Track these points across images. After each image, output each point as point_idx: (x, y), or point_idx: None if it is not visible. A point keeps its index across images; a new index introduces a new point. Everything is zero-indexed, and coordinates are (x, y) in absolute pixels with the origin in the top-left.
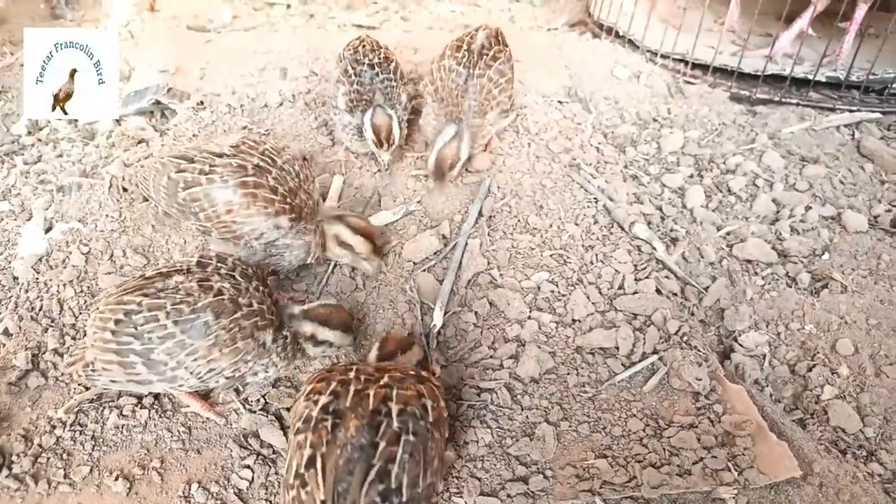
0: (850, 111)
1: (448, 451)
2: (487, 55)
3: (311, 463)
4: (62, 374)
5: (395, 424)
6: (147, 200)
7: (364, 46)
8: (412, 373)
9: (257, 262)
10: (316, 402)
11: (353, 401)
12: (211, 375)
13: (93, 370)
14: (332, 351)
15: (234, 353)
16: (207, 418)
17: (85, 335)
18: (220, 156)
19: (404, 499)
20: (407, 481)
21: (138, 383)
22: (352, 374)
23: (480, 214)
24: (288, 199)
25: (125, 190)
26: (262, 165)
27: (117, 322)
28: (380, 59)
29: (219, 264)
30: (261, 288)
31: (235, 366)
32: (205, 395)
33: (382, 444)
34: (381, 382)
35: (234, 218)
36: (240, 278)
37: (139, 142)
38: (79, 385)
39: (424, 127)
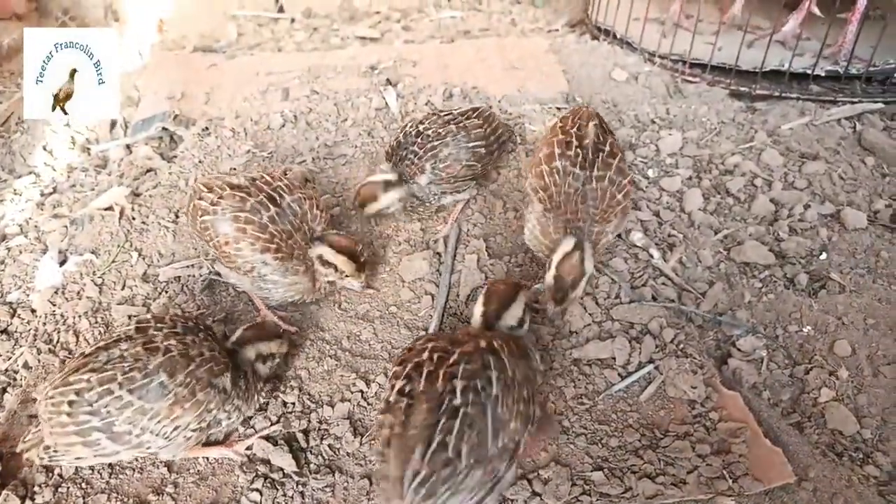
0: (852, 103)
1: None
2: (604, 151)
3: (387, 443)
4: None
5: (457, 401)
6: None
7: (453, 117)
8: (484, 345)
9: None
10: (393, 387)
11: (426, 384)
12: (177, 433)
13: (54, 452)
14: (278, 361)
15: (196, 405)
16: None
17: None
18: (234, 187)
19: (463, 464)
20: (466, 449)
21: (105, 456)
22: (425, 356)
23: (459, 236)
24: (276, 239)
25: (133, 220)
26: (264, 201)
27: (71, 403)
28: (433, 132)
29: (158, 325)
30: (208, 337)
31: (200, 418)
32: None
33: (443, 420)
34: (450, 361)
35: (228, 249)
36: (183, 332)
37: (147, 171)
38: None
39: (530, 237)
